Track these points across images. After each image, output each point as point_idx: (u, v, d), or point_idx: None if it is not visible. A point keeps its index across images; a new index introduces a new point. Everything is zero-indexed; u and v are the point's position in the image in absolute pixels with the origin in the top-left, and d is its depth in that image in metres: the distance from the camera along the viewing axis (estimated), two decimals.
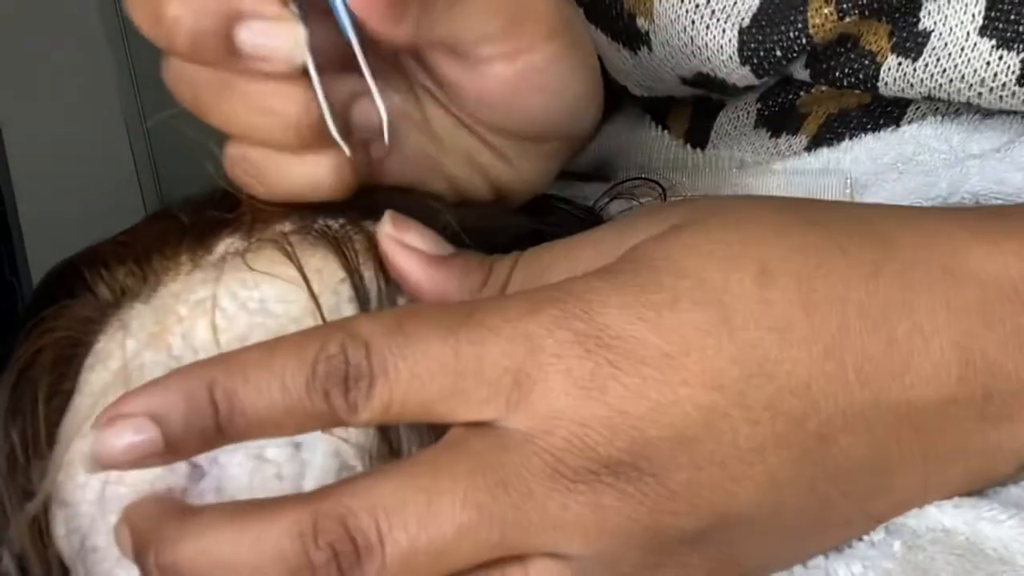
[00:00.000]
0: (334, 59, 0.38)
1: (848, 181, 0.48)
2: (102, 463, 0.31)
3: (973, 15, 0.43)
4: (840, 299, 0.33)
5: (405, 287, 0.38)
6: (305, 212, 0.39)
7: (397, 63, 0.42)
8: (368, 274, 0.38)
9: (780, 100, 0.51)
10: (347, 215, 0.39)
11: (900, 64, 0.45)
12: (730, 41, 0.47)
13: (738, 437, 0.31)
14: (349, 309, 0.37)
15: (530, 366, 0.31)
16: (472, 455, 0.31)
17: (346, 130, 0.39)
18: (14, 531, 0.38)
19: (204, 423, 0.31)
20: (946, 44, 0.44)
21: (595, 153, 0.56)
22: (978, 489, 0.35)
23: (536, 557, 0.32)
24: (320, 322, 0.37)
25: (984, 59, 0.43)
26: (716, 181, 0.50)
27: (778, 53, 0.46)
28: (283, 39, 0.35)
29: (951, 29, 0.43)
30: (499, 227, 0.42)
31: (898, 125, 0.48)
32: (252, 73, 0.36)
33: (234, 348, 0.35)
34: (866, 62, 0.46)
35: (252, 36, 0.35)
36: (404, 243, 0.37)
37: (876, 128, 0.48)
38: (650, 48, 0.50)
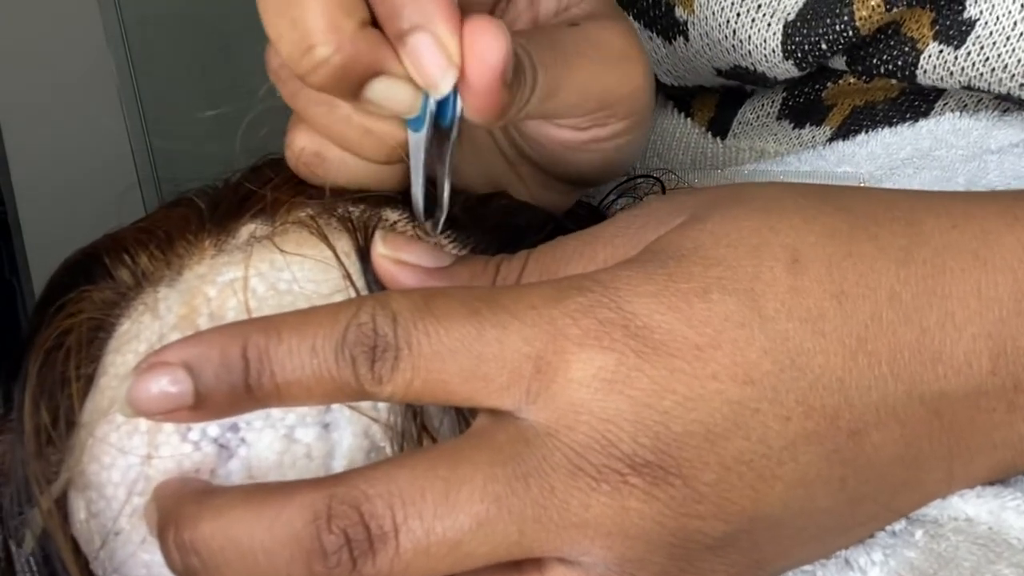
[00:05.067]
0: None
1: (861, 185, 0.47)
2: (136, 408, 0.31)
3: (1022, 4, 0.43)
4: (871, 287, 0.32)
5: None
6: (327, 199, 0.40)
7: None
8: None
9: (806, 91, 0.51)
10: (367, 201, 0.40)
11: (941, 52, 0.45)
12: (774, 35, 0.47)
13: (768, 434, 0.31)
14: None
15: (551, 354, 0.31)
16: (494, 446, 0.31)
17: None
18: (40, 511, 0.38)
19: (234, 379, 0.31)
20: (991, 33, 0.43)
21: None
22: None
23: (554, 563, 0.31)
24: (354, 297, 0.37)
25: None
26: (732, 175, 0.50)
27: (823, 46, 0.46)
28: (408, 99, 0.36)
29: (998, 18, 0.43)
30: (518, 206, 0.42)
31: (917, 120, 0.47)
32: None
33: None
34: (906, 49, 0.45)
35: (383, 90, 0.36)
36: (400, 260, 0.37)
37: (895, 123, 0.48)
38: (687, 39, 0.49)
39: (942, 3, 0.44)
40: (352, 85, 0.36)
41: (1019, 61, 0.43)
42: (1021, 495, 0.34)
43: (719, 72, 0.50)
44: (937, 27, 0.45)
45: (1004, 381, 0.33)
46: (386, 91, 0.36)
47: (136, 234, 0.41)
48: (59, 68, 1.25)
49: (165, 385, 0.31)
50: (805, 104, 0.51)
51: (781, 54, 0.47)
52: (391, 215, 0.40)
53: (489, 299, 0.32)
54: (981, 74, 0.44)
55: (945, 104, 0.48)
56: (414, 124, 0.38)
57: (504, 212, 0.42)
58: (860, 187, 0.42)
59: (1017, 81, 0.43)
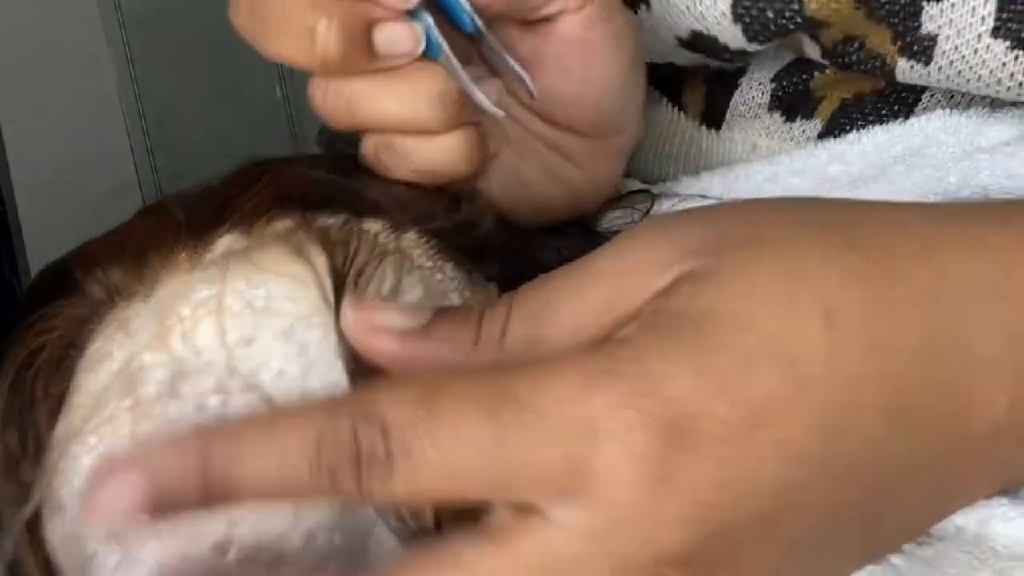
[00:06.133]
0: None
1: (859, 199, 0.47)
2: (92, 516, 0.31)
3: (983, 17, 0.42)
4: (902, 335, 0.31)
5: (391, 371, 0.34)
6: (305, 210, 0.39)
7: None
8: (367, 273, 0.37)
9: (794, 81, 0.51)
10: (346, 213, 0.39)
11: (913, 67, 0.44)
12: None
13: (814, 511, 0.30)
14: None
15: (592, 457, 0.28)
16: (520, 560, 0.29)
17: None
18: (10, 535, 0.37)
19: (192, 497, 0.30)
20: (956, 47, 0.43)
21: None
22: None
23: None
24: (332, 319, 0.36)
25: (1000, 60, 0.42)
26: (722, 176, 0.50)
27: (770, 14, 0.45)
28: (409, 34, 0.40)
29: (959, 32, 0.42)
30: (515, 231, 0.42)
31: (907, 116, 0.47)
32: (392, 68, 0.40)
33: (240, 350, 0.35)
34: (878, 63, 0.45)
35: (386, 39, 0.39)
36: (374, 325, 0.34)
37: (885, 119, 0.47)
38: (648, 5, 0.49)
39: (896, 20, 0.43)
40: (363, 44, 0.39)
41: (990, 71, 0.42)
42: (1007, 502, 0.34)
43: (680, 42, 0.49)
44: (900, 43, 0.44)
45: (1016, 419, 0.32)
46: (388, 37, 0.39)
47: (107, 247, 0.40)
48: (59, 68, 1.25)
49: (119, 501, 0.30)
50: (794, 94, 0.51)
51: (730, 16, 0.46)
52: (372, 226, 0.39)
53: (503, 394, 0.29)
54: (958, 84, 0.43)
55: (932, 96, 0.47)
56: (434, 52, 0.41)
57: (504, 237, 0.42)
58: (861, 203, 0.39)
59: (993, 89, 0.43)
